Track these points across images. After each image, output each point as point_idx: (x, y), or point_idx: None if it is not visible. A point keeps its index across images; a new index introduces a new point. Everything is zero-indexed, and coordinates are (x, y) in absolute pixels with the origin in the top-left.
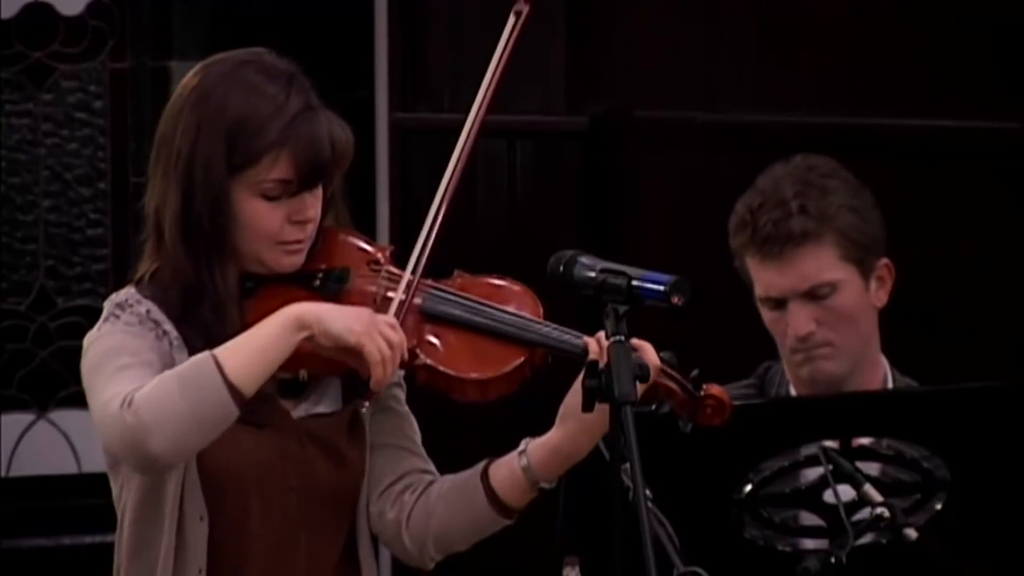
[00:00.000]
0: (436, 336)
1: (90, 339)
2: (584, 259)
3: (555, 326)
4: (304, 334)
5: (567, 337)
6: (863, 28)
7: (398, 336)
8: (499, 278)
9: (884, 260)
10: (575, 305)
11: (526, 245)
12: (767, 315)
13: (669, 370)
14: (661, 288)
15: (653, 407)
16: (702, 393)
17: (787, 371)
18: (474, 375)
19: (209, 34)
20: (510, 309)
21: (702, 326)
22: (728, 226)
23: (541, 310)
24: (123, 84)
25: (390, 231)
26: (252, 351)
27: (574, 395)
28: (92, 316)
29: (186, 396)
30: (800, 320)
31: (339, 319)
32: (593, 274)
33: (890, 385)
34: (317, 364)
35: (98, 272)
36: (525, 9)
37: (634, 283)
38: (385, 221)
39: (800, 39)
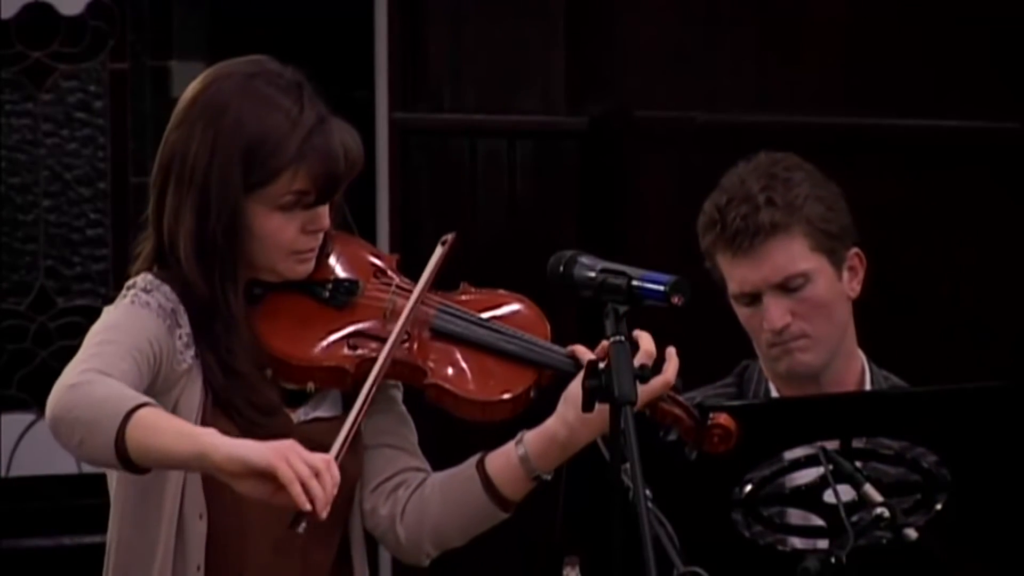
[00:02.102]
0: (445, 355)
1: (104, 311)
2: (584, 259)
3: (559, 348)
4: (204, 463)
5: (566, 358)
6: (863, 28)
7: (326, 466)
8: (505, 294)
9: (855, 250)
10: (575, 305)
11: (526, 245)
12: (742, 312)
13: (676, 397)
14: (661, 288)
15: (660, 433)
16: (709, 422)
17: (764, 367)
18: (482, 397)
19: (209, 34)
20: (517, 329)
21: (701, 326)
22: (697, 228)
23: (548, 327)
24: (123, 84)
25: (390, 231)
26: (158, 435)
27: (577, 384)
28: (92, 316)
29: (93, 412)
30: (775, 313)
31: (250, 447)
32: (593, 274)
33: (868, 377)
34: (325, 377)
35: (98, 272)
36: (450, 239)
37: (634, 283)
38: (385, 221)
39: (800, 39)
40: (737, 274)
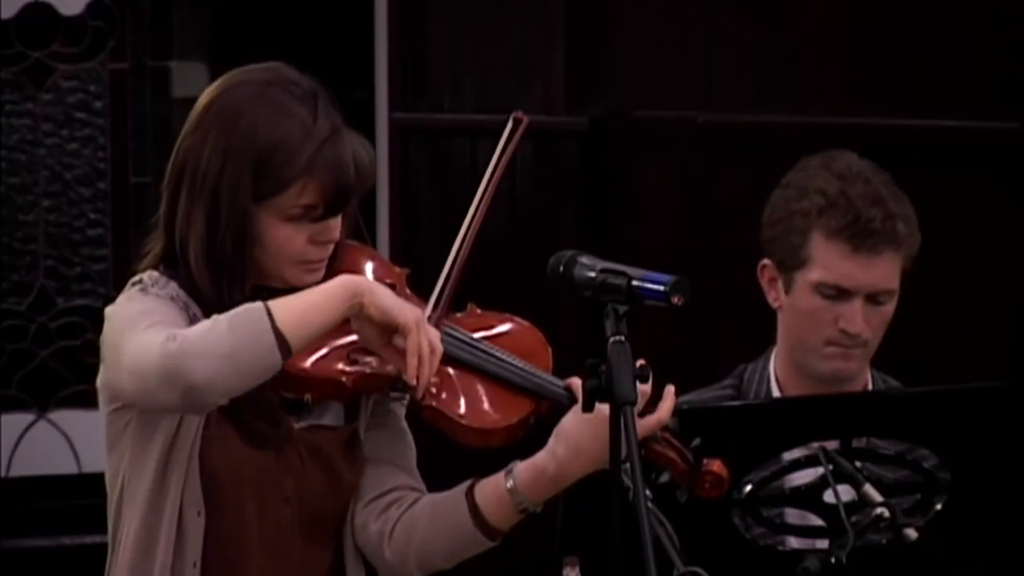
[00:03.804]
0: (446, 379)
1: (114, 308)
2: (584, 259)
3: (559, 381)
4: (355, 301)
5: (563, 390)
6: (863, 28)
7: (440, 349)
8: (511, 318)
9: None
10: (576, 305)
11: (526, 245)
12: (815, 302)
13: (671, 439)
14: (661, 288)
15: (652, 475)
16: (703, 468)
17: (797, 361)
18: (478, 424)
19: (209, 34)
20: (519, 358)
21: (700, 325)
22: (795, 198)
23: (550, 355)
24: (123, 84)
25: (390, 231)
26: (302, 308)
27: (571, 419)
28: (92, 316)
29: (232, 334)
30: (859, 317)
31: (392, 297)
32: (593, 274)
33: (869, 384)
34: (322, 389)
35: (98, 272)
36: (525, 120)
37: (634, 283)
38: (385, 221)
39: (801, 39)
40: (844, 267)
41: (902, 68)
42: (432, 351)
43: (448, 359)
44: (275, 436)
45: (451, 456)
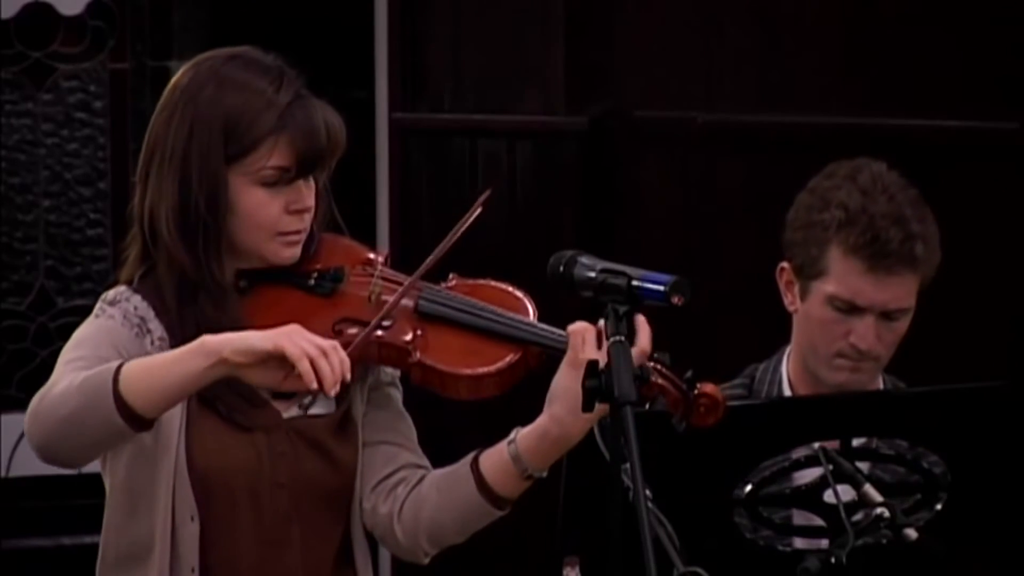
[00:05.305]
0: (430, 334)
1: (77, 329)
2: (584, 259)
3: (547, 327)
4: (216, 359)
5: (559, 335)
6: (863, 28)
7: (332, 347)
8: (493, 281)
9: None
10: (575, 305)
11: (526, 245)
12: (827, 313)
13: (662, 369)
14: (661, 288)
15: (647, 405)
16: (696, 392)
17: (805, 365)
18: (467, 371)
19: (209, 34)
20: (504, 310)
21: (700, 325)
22: (818, 208)
23: (535, 314)
24: (123, 84)
25: (390, 231)
26: (154, 372)
27: (562, 376)
28: None
29: (78, 396)
30: (871, 334)
31: (253, 334)
32: (593, 274)
33: (879, 387)
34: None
35: (98, 272)
36: (484, 197)
37: (634, 283)
38: (385, 221)
39: (800, 39)
40: (857, 284)
41: (902, 68)
42: (321, 350)
43: (429, 317)
44: (259, 418)
45: (445, 438)
